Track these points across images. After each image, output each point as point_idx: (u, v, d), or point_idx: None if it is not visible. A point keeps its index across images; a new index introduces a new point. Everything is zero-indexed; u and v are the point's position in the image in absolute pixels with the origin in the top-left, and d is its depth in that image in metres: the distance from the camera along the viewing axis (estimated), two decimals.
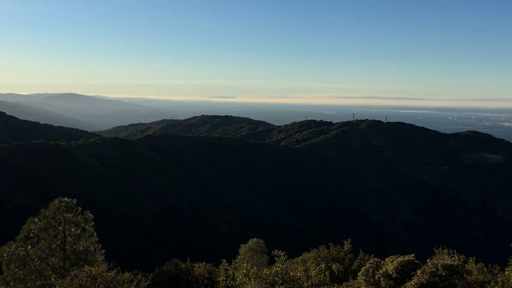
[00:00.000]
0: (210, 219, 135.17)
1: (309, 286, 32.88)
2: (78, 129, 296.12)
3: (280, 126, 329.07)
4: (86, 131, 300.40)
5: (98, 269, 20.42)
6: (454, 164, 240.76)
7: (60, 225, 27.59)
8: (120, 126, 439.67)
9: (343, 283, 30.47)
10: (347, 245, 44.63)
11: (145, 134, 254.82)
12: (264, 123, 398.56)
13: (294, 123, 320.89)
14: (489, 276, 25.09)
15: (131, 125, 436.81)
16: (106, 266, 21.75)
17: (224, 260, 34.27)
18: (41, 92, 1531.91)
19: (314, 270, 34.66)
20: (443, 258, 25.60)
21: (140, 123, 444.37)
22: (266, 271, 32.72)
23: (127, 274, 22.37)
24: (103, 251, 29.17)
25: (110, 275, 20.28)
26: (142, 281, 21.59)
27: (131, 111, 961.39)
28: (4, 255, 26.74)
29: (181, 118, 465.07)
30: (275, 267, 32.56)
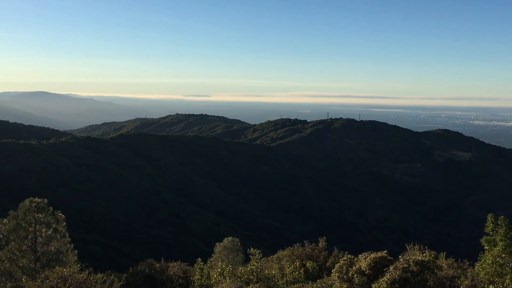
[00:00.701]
0: (185, 218, 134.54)
1: (283, 283, 33.07)
2: (49, 128, 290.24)
3: (255, 124, 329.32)
4: (58, 130, 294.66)
5: (69, 270, 20.13)
6: (426, 162, 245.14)
7: (31, 226, 27.10)
8: (92, 125, 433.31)
9: (317, 280, 30.72)
10: (321, 243, 45.01)
11: (119, 133, 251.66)
12: (239, 121, 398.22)
13: (269, 122, 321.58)
14: (459, 271, 25.67)
15: (104, 123, 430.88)
16: (78, 267, 21.48)
17: (199, 259, 34.18)
18: (11, 90, 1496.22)
19: (288, 268, 34.89)
20: (415, 254, 26.07)
21: (114, 122, 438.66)
22: (241, 269, 32.81)
23: (100, 275, 22.13)
24: (76, 252, 28.76)
25: (82, 276, 20.01)
26: (115, 282, 21.37)
27: (104, 110, 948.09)
28: None
29: (156, 116, 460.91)
30: (250, 266, 32.67)
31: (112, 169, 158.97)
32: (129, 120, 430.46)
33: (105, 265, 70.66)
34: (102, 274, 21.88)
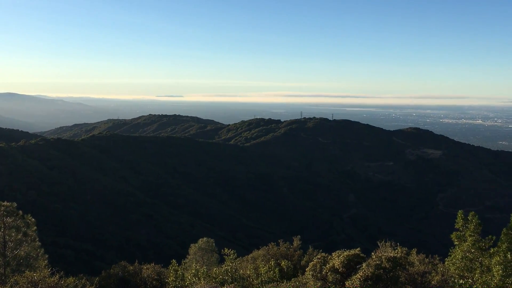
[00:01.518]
0: (159, 219, 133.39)
1: (259, 283, 33.14)
2: (18, 130, 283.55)
3: (229, 124, 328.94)
4: (27, 132, 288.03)
5: (40, 274, 19.73)
6: (397, 160, 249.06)
7: (0, 231, 26.51)
8: (63, 127, 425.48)
9: (292, 279, 30.89)
10: (296, 242, 45.31)
11: (90, 134, 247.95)
12: (213, 122, 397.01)
13: (243, 122, 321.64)
14: (430, 266, 26.12)
15: (75, 125, 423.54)
16: (49, 271, 21.07)
17: (174, 261, 33.95)
18: None
19: (263, 267, 34.98)
20: (387, 251, 26.45)
21: (85, 123, 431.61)
22: (215, 270, 32.76)
23: (71, 279, 21.76)
24: (46, 256, 28.28)
25: (53, 281, 19.65)
26: (87, 285, 21.05)
27: (75, 111, 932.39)
28: None
29: (128, 117, 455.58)
30: (225, 266, 32.65)
31: (84, 171, 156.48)
32: (101, 121, 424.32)
33: (78, 269, 69.51)
34: (74, 278, 21.52)
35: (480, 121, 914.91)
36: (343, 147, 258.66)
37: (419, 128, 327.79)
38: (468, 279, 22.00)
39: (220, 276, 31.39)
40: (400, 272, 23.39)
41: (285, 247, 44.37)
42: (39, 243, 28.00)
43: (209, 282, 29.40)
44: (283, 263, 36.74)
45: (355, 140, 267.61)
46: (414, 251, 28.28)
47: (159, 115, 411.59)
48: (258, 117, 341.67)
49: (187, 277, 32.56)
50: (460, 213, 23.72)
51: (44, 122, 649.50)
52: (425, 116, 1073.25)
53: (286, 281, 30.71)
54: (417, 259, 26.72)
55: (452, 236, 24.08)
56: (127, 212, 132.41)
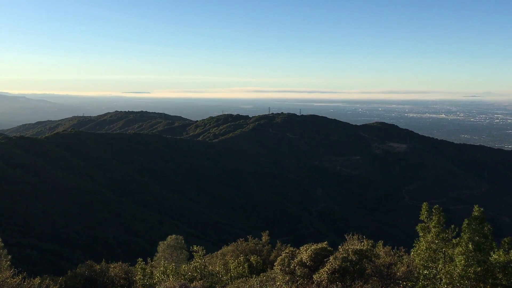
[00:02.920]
0: (127, 217, 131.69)
1: (228, 279, 33.18)
2: None
3: (197, 121, 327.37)
4: None
5: (1, 275, 19.20)
6: (364, 154, 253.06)
7: None
8: (26, 124, 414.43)
9: (261, 274, 31.03)
10: (265, 237, 45.53)
11: (55, 132, 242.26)
12: (181, 118, 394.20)
13: (211, 118, 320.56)
14: (396, 258, 26.67)
15: (38, 122, 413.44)
16: (12, 272, 20.51)
17: (140, 259, 33.60)
18: None
19: (233, 263, 35.05)
20: (354, 244, 26.87)
21: (49, 121, 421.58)
22: (184, 267, 32.60)
23: (36, 279, 21.27)
24: (9, 256, 27.51)
25: (15, 281, 19.14)
26: (51, 286, 20.60)
27: (38, 108, 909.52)
28: None
29: (93, 114, 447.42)
30: (194, 263, 32.54)
31: (48, 170, 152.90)
32: (65, 119, 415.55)
33: (43, 269, 68.14)
34: (38, 278, 21.03)
35: (443, 115, 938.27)
36: (311, 142, 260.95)
37: (384, 122, 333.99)
38: (432, 269, 22.53)
39: (189, 273, 31.26)
40: (366, 264, 23.79)
41: (254, 243, 44.53)
42: (2, 244, 27.22)
43: (178, 279, 29.23)
44: (252, 258, 36.86)
45: (323, 135, 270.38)
46: (380, 243, 28.83)
47: (125, 111, 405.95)
48: (226, 113, 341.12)
49: (155, 274, 32.29)
50: (424, 205, 24.21)
51: (6, 119, 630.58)
52: (390, 111, 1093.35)
53: (255, 276, 30.82)
54: (383, 251, 27.24)
55: (417, 227, 24.57)
56: (93, 211, 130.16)
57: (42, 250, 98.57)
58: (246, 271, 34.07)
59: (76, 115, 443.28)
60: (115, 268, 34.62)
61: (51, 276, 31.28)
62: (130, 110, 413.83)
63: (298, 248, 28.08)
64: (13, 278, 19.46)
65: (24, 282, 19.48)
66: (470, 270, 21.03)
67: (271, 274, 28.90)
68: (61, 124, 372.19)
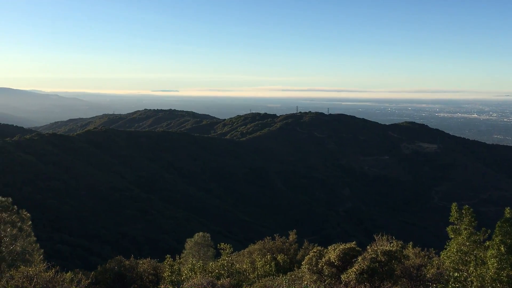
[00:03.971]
0: (155, 214, 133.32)
1: (255, 277, 33.22)
2: (13, 125, 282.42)
3: (225, 119, 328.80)
4: (22, 127, 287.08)
5: (35, 269, 19.70)
6: (393, 154, 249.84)
7: None
8: (58, 122, 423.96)
9: (288, 273, 30.98)
10: (292, 236, 45.46)
11: (86, 129, 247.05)
12: (209, 116, 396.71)
13: (239, 116, 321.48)
14: (426, 259, 26.28)
15: (70, 120, 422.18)
16: (45, 266, 21.03)
17: (168, 256, 33.95)
18: None
19: (260, 261, 35.09)
20: (383, 245, 26.56)
21: (80, 118, 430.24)
22: (211, 264, 32.77)
23: (67, 274, 21.74)
24: (42, 251, 28.23)
25: (49, 275, 19.61)
26: (83, 280, 21.02)
27: (70, 106, 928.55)
28: None
29: (123, 112, 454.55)
30: (221, 260, 32.67)
31: (79, 167, 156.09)
32: (96, 116, 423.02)
33: (74, 264, 69.60)
34: (70, 273, 21.50)
35: (475, 115, 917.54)
36: (339, 141, 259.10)
37: (414, 122, 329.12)
38: (463, 272, 22.11)
39: (216, 270, 31.41)
40: (395, 265, 23.50)
41: (281, 241, 44.51)
42: (35, 238, 27.95)
43: (205, 276, 29.41)
44: (279, 257, 36.85)
45: (351, 134, 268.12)
46: (409, 244, 28.44)
47: (154, 110, 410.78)
48: (253, 112, 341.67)
49: (183, 271, 32.58)
50: (454, 206, 23.77)
51: (39, 117, 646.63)
52: (420, 110, 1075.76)
53: (282, 274, 30.79)
54: (412, 253, 26.88)
55: (448, 229, 24.16)
56: (122, 207, 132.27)
57: (73, 245, 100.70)
58: (273, 269, 34.08)
59: (106, 113, 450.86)
60: (144, 264, 35.10)
61: (82, 270, 31.94)
62: (159, 109, 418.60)
63: (326, 248, 27.94)
64: (47, 272, 19.95)
65: (56, 275, 19.94)
66: (503, 273, 20.55)
67: (298, 273, 28.82)
68: (92, 121, 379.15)
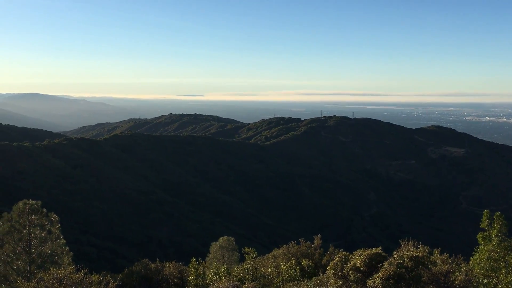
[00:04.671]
0: (180, 218, 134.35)
1: (279, 282, 33.13)
2: (42, 129, 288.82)
3: (249, 123, 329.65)
4: (51, 131, 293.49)
5: (64, 271, 20.07)
6: (419, 158, 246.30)
7: (25, 228, 27.04)
8: (86, 126, 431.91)
9: (313, 278, 30.80)
10: (317, 241, 45.14)
11: (112, 133, 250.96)
12: (233, 120, 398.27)
13: (263, 121, 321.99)
14: (454, 266, 25.77)
15: (97, 124, 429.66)
16: (74, 268, 21.40)
17: (194, 259, 34.16)
18: (2, 92, 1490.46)
19: (284, 266, 34.95)
20: (409, 250, 26.16)
21: (107, 123, 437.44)
22: (236, 268, 32.85)
23: (95, 276, 22.08)
24: (70, 253, 28.72)
25: (78, 277, 19.95)
26: (111, 282, 21.31)
27: (97, 111, 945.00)
28: None
29: (149, 117, 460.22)
30: (245, 264, 32.73)
31: (106, 170, 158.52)
32: (123, 121, 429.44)
33: (101, 266, 70.51)
34: (98, 275, 21.83)
35: (504, 119, 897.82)
36: (364, 146, 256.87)
37: (441, 126, 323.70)
38: (493, 278, 21.67)
39: (241, 275, 31.47)
40: (422, 271, 23.12)
41: (306, 246, 44.23)
42: (64, 241, 28.46)
43: (229, 280, 29.50)
44: (304, 261, 36.66)
45: (376, 138, 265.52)
46: (437, 250, 27.93)
47: (179, 114, 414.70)
48: (278, 116, 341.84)
49: (208, 275, 32.75)
50: (486, 213, 23.38)
51: (67, 121, 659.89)
52: (447, 114, 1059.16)
53: (307, 279, 30.62)
54: (440, 259, 26.38)
55: (478, 236, 23.76)
56: (148, 211, 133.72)
57: (100, 248, 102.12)
58: (298, 274, 33.90)
59: (132, 118, 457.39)
60: (169, 267, 35.38)
61: (109, 273, 32.39)
62: (184, 113, 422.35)
63: (351, 253, 27.70)
64: (76, 274, 20.31)
65: (85, 278, 20.28)
66: None
67: (323, 278, 28.62)
68: (119, 126, 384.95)
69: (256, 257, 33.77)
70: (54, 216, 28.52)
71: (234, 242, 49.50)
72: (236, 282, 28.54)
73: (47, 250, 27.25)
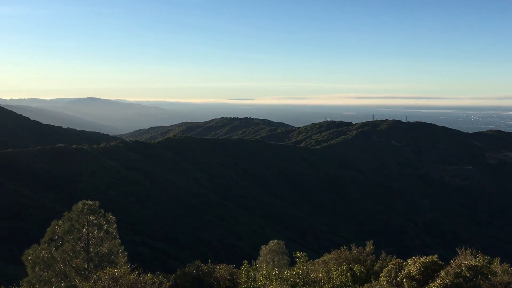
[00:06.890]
0: (230, 220, 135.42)
1: (330, 287, 32.73)
2: (99, 132, 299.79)
3: (300, 127, 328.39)
4: (108, 134, 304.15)
5: (120, 271, 20.64)
6: (476, 164, 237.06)
7: (84, 228, 28.02)
8: (140, 129, 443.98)
9: (365, 285, 30.26)
10: (369, 246, 44.25)
11: (166, 137, 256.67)
12: (283, 124, 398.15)
13: (314, 124, 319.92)
14: None
15: (151, 128, 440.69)
16: (129, 267, 21.99)
17: (246, 262, 34.30)
18: (63, 97, 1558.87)
19: (335, 271, 34.45)
20: (467, 259, 25.22)
21: (161, 126, 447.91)
22: (287, 272, 32.68)
23: (149, 276, 22.59)
24: (126, 253, 29.48)
25: (133, 277, 20.48)
26: (164, 282, 21.75)
27: (152, 114, 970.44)
28: (29, 257, 27.26)
29: (201, 120, 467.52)
30: (296, 269, 32.48)
31: (159, 173, 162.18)
32: (175, 124, 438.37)
33: (154, 266, 72.12)
34: (152, 275, 22.32)
35: None
36: (417, 150, 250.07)
37: (500, 130, 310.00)
38: None
39: (292, 279, 31.30)
40: (481, 282, 22.24)
41: (358, 252, 43.45)
42: (119, 241, 29.28)
43: (280, 284, 29.42)
44: (355, 267, 36.06)
45: (430, 143, 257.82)
46: (497, 260, 26.78)
47: (230, 118, 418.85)
48: (328, 120, 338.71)
49: (258, 278, 32.76)
50: None
51: (123, 125, 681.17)
52: (506, 118, 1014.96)
53: (359, 286, 30.10)
54: (500, 269, 25.28)
55: None
56: (199, 213, 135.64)
57: (153, 248, 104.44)
58: (349, 280, 33.34)
59: (185, 121, 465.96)
60: (221, 269, 35.69)
61: (162, 273, 33.08)
62: (234, 117, 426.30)
63: (405, 260, 27.01)
64: (131, 274, 20.86)
65: (140, 277, 20.78)
66: None
67: (376, 285, 28.07)
68: (172, 129, 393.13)
69: (306, 261, 33.44)
70: (111, 217, 29.42)
71: (284, 246, 49.34)
72: (286, 286, 28.43)
73: (104, 250, 28.11)
